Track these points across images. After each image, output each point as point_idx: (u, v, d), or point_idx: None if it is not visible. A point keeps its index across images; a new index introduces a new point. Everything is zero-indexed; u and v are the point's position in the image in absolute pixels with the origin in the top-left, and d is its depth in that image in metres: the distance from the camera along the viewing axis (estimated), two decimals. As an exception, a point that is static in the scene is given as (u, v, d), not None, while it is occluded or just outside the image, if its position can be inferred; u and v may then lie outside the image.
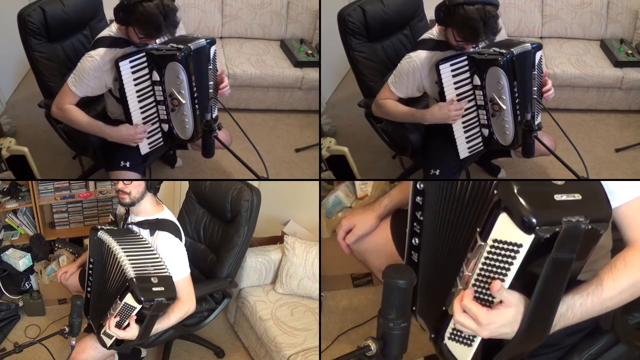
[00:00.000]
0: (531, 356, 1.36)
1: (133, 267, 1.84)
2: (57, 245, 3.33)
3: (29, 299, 2.96)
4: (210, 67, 2.20)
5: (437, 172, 2.28)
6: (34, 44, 2.23)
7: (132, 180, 2.09)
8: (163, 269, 1.94)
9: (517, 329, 1.19)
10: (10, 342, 2.75)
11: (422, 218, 1.47)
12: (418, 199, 1.46)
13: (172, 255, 2.04)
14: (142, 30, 2.00)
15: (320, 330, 2.52)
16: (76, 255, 3.21)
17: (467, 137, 2.23)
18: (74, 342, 1.81)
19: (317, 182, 2.73)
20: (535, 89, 2.14)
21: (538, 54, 2.13)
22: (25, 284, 3.10)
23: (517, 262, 1.16)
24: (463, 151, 2.25)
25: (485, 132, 2.22)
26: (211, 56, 2.21)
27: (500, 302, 1.19)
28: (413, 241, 1.51)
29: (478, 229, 1.22)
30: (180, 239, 2.12)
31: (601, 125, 3.05)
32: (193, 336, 2.74)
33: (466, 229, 1.31)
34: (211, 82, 2.21)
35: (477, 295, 1.24)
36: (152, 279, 1.82)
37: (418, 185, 1.46)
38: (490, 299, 1.22)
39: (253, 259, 2.81)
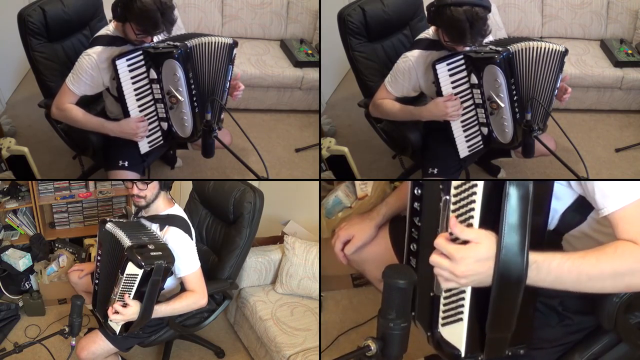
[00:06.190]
0: (531, 349, 1.35)
1: (130, 240, 1.92)
2: (57, 245, 3.33)
3: (29, 299, 2.96)
4: (231, 66, 2.26)
5: (435, 170, 2.27)
6: (34, 44, 2.23)
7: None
8: (159, 239, 2.02)
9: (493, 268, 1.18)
10: (10, 342, 2.75)
11: (419, 224, 1.45)
12: (416, 204, 1.45)
13: (181, 249, 2.07)
14: (140, 27, 2.00)
15: (320, 330, 2.52)
16: (76, 255, 3.21)
17: (466, 136, 2.23)
18: (74, 342, 1.82)
19: (317, 182, 2.73)
20: (555, 92, 2.16)
21: (565, 59, 2.14)
22: (25, 284, 3.10)
23: (478, 198, 1.16)
24: (463, 150, 2.25)
25: (485, 130, 2.22)
26: (232, 57, 2.25)
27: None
28: (411, 247, 1.49)
29: (440, 186, 1.27)
30: (190, 235, 2.16)
31: (601, 125, 3.05)
32: (193, 336, 2.74)
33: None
34: (227, 82, 2.26)
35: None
36: (148, 246, 1.92)
37: (415, 191, 1.45)
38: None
39: (253, 259, 2.81)
